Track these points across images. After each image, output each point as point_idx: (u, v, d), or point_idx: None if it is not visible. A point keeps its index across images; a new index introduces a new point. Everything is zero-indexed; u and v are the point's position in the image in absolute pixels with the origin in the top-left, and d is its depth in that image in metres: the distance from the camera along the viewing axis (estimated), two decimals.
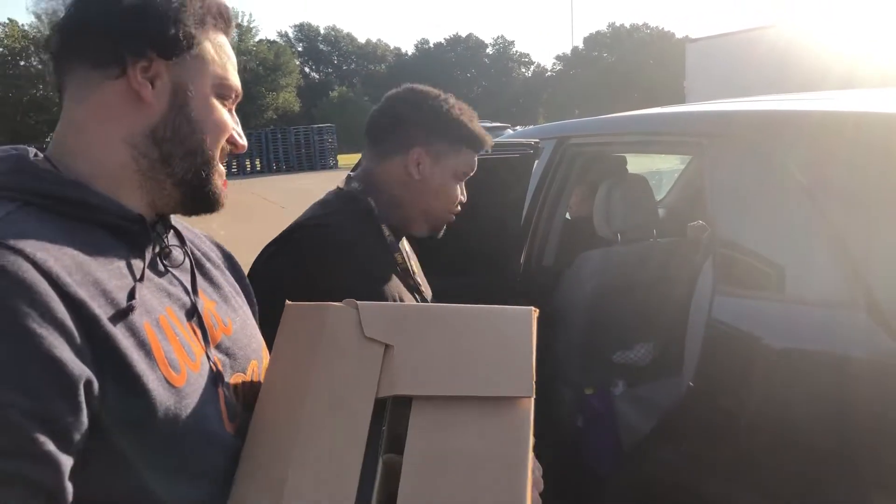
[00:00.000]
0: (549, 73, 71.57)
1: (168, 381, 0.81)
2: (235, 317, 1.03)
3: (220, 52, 0.95)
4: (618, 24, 66.70)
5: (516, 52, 74.64)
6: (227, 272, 1.12)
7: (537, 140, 2.47)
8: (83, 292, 0.76)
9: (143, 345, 0.80)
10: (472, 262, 2.35)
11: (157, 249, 0.93)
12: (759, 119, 2.00)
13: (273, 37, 68.45)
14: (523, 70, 74.68)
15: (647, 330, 2.51)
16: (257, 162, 33.54)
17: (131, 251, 0.88)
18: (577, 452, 2.52)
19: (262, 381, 1.00)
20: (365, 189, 1.62)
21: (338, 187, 1.67)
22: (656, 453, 2.08)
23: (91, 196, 0.85)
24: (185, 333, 0.89)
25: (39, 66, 47.18)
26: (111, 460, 0.76)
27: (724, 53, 19.93)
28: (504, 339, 0.97)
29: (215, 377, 0.91)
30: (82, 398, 0.72)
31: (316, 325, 0.94)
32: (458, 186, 1.68)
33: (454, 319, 0.98)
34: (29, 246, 0.73)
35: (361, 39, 72.28)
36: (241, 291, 1.12)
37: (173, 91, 0.90)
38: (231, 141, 0.97)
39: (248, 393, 0.98)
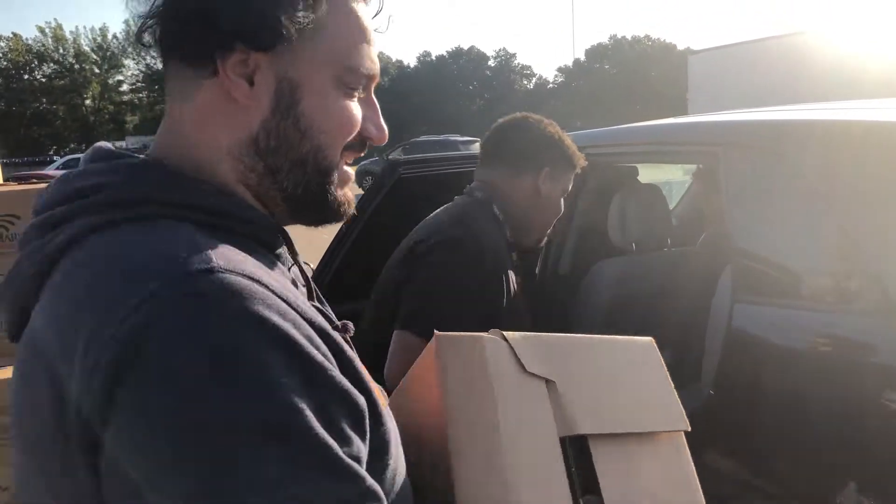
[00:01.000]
0: (551, 85, 71.74)
1: (373, 396, 0.69)
2: None
3: (349, 27, 0.76)
4: (619, 35, 66.99)
5: (518, 64, 74.72)
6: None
7: None
8: (311, 314, 0.65)
9: (351, 363, 0.68)
10: None
11: (290, 265, 0.82)
12: (776, 128, 2.01)
13: None
14: (525, 82, 74.80)
15: (665, 338, 2.51)
16: None
17: (286, 267, 0.79)
18: None
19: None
20: (490, 199, 1.87)
21: (464, 195, 1.92)
22: None
23: (246, 210, 0.74)
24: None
25: (43, 80, 47.42)
26: None
27: (726, 65, 19.99)
28: (642, 371, 1.02)
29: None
30: (367, 428, 0.65)
31: (477, 359, 0.90)
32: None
33: (590, 351, 0.99)
34: (247, 269, 0.62)
35: None
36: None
37: (278, 89, 0.73)
38: (365, 135, 0.81)
39: None
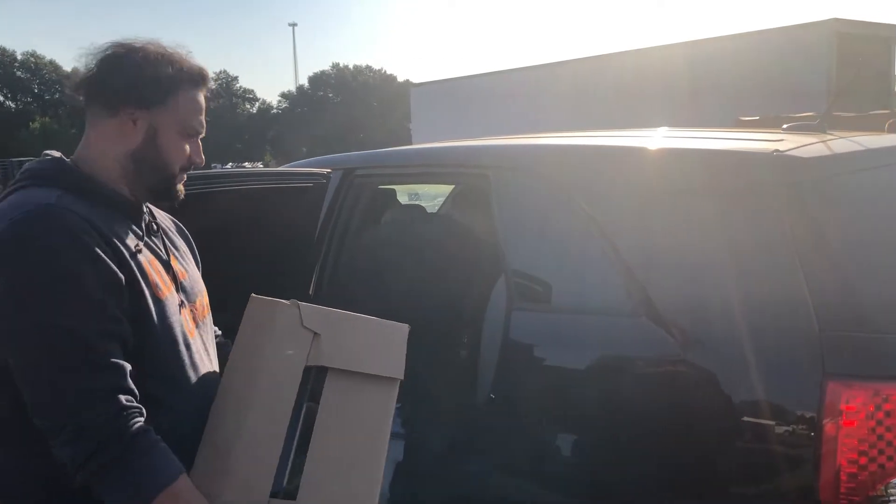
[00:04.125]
0: (274, 111, 70.96)
1: (156, 295, 1.36)
2: (188, 267, 1.57)
3: (189, 104, 1.42)
4: (342, 64, 68.23)
5: (240, 87, 73.07)
6: (180, 238, 1.63)
7: (330, 170, 2.52)
8: (112, 237, 1.31)
9: (143, 272, 1.35)
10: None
11: (146, 222, 1.47)
12: (540, 152, 2.24)
13: None
14: (248, 106, 73.32)
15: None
16: None
17: (132, 222, 1.42)
18: None
19: (206, 309, 1.58)
20: None
21: None
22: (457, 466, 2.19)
23: (103, 188, 1.38)
24: (162, 272, 1.43)
25: None
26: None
27: (445, 97, 21.40)
28: (387, 341, 1.48)
29: (181, 302, 1.46)
30: (125, 294, 1.29)
31: (270, 314, 1.38)
32: None
33: (357, 322, 1.46)
34: (78, 210, 1.28)
35: (67, 67, 66.16)
36: (189, 251, 1.64)
37: (148, 130, 1.39)
38: (190, 162, 1.47)
39: (199, 314, 1.53)
